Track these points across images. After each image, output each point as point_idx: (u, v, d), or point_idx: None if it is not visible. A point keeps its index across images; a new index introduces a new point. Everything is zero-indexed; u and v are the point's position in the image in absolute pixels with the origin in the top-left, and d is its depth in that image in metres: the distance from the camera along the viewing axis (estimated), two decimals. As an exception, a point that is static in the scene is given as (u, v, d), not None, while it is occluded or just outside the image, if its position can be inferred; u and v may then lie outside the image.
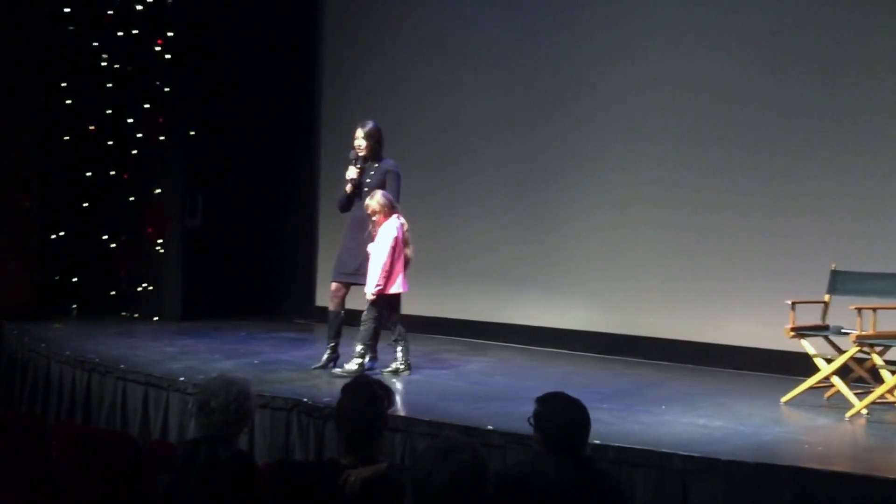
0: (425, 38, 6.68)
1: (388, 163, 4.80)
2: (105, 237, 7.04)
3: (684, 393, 4.60)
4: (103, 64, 6.95)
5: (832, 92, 5.13)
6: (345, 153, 4.88)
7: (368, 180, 4.77)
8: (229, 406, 2.65)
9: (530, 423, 2.55)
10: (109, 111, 6.98)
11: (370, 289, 4.62)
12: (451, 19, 6.57)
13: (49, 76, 6.80)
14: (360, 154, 4.76)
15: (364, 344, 4.66)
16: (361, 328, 4.67)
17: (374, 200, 4.60)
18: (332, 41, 7.17)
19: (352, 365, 4.65)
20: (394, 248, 4.58)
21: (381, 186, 4.73)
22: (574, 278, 5.97)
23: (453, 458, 1.91)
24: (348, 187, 4.76)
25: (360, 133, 4.76)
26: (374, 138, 4.76)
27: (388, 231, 4.59)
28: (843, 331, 4.33)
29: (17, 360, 5.73)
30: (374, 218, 4.61)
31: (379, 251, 4.59)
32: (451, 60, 6.52)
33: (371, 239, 4.66)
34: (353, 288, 4.85)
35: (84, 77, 6.91)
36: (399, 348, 4.76)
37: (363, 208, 4.74)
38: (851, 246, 4.91)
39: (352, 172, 4.73)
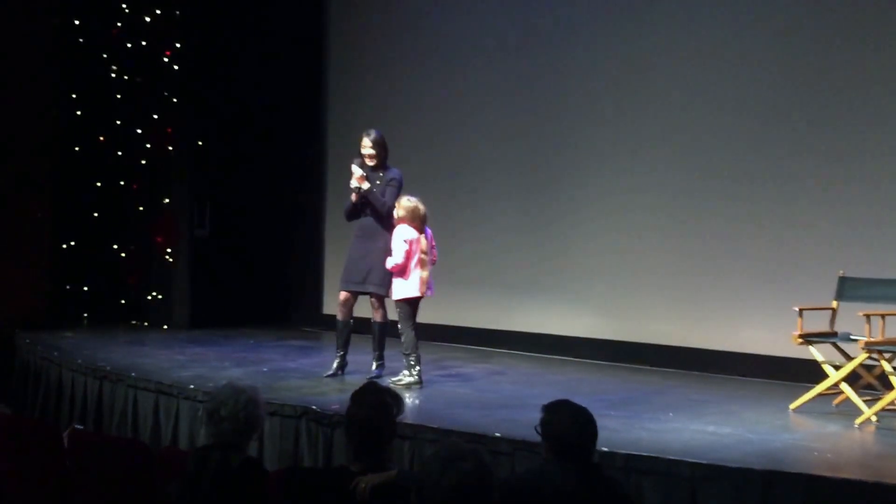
0: (430, 46, 6.72)
1: (393, 172, 4.81)
2: (115, 247, 7.10)
3: (692, 400, 4.59)
4: (112, 75, 7.02)
5: (839, 99, 5.13)
6: (352, 161, 4.91)
7: (374, 190, 4.76)
8: (238, 414, 2.68)
9: (537, 432, 2.56)
10: (119, 122, 7.05)
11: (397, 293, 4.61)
12: (455, 27, 6.61)
13: (59, 88, 6.87)
14: (371, 164, 4.77)
15: (413, 353, 4.63)
16: (403, 339, 4.61)
17: (405, 204, 4.59)
18: (338, 50, 7.23)
19: (410, 378, 4.62)
20: (408, 252, 4.56)
21: (382, 194, 4.74)
22: (580, 285, 5.98)
23: (457, 466, 1.92)
24: (353, 196, 4.79)
25: (367, 143, 4.77)
26: (381, 146, 4.79)
27: (403, 233, 4.59)
28: (851, 337, 4.32)
29: (30, 368, 5.78)
30: (397, 216, 4.60)
31: (394, 252, 4.56)
32: (456, 68, 6.56)
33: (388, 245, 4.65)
34: (361, 296, 4.88)
35: (93, 88, 6.98)
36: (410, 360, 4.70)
37: (370, 217, 4.76)
38: (859, 252, 4.90)
39: (353, 181, 4.74)
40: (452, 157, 6.56)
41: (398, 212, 4.61)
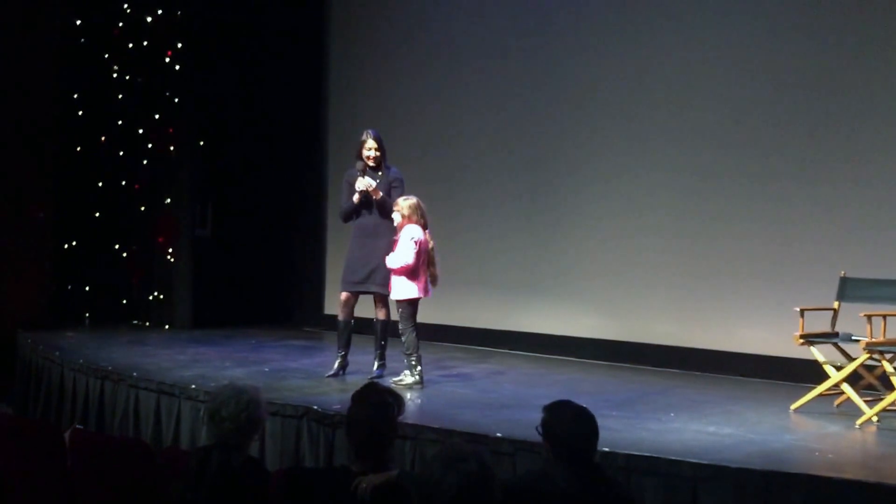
0: (431, 47, 6.73)
1: (395, 171, 4.85)
2: (116, 247, 7.11)
3: (693, 400, 4.59)
4: (114, 75, 7.03)
5: (840, 99, 5.14)
6: (352, 162, 4.91)
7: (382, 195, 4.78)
8: (240, 415, 2.68)
9: (539, 432, 2.56)
10: (120, 122, 7.06)
11: (397, 294, 4.61)
12: (456, 29, 6.62)
13: (60, 88, 6.88)
14: (372, 165, 4.79)
15: (415, 353, 4.61)
16: (403, 339, 4.60)
17: (407, 203, 4.59)
18: (339, 51, 7.24)
19: (411, 378, 4.61)
20: (418, 253, 4.55)
21: (387, 195, 4.76)
22: (581, 286, 5.99)
23: (460, 467, 1.92)
24: (356, 197, 4.79)
25: (372, 143, 4.78)
26: (382, 145, 4.83)
27: (412, 232, 4.57)
28: (852, 338, 4.33)
29: (32, 367, 5.79)
30: (397, 220, 4.60)
31: (403, 252, 4.55)
32: (458, 69, 6.57)
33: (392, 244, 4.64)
34: (362, 296, 4.88)
35: (95, 88, 6.99)
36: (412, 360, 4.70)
37: (370, 216, 4.77)
38: (861, 253, 4.91)
39: (362, 184, 4.74)
40: (453, 157, 6.56)
41: (402, 212, 4.60)
